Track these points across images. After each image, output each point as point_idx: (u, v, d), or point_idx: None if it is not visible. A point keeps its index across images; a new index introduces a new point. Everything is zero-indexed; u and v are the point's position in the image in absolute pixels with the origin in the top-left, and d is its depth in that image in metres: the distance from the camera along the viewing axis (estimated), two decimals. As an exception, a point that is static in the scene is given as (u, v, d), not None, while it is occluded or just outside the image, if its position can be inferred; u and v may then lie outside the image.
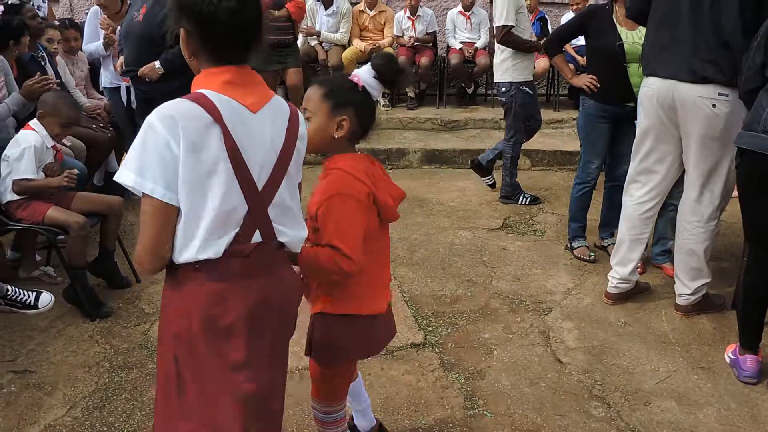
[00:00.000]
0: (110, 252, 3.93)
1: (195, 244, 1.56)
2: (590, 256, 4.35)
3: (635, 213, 3.66)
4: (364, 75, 2.00)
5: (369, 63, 2.02)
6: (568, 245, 4.49)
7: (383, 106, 7.55)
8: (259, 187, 1.62)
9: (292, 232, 1.72)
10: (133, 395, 2.94)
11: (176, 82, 4.13)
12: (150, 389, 2.99)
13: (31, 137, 3.67)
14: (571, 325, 3.57)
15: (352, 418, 2.53)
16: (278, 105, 1.71)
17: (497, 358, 3.26)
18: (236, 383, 1.65)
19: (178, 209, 1.54)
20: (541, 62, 7.27)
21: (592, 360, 3.25)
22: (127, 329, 3.52)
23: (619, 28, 3.99)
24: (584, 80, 4.16)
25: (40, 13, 5.74)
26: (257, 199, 1.62)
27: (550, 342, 3.40)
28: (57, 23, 5.43)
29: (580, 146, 4.38)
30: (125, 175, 1.50)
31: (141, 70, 4.32)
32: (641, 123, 3.55)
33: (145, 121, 1.52)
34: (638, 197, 3.65)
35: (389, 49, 7.48)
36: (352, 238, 1.90)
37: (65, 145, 4.25)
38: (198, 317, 1.60)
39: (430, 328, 3.52)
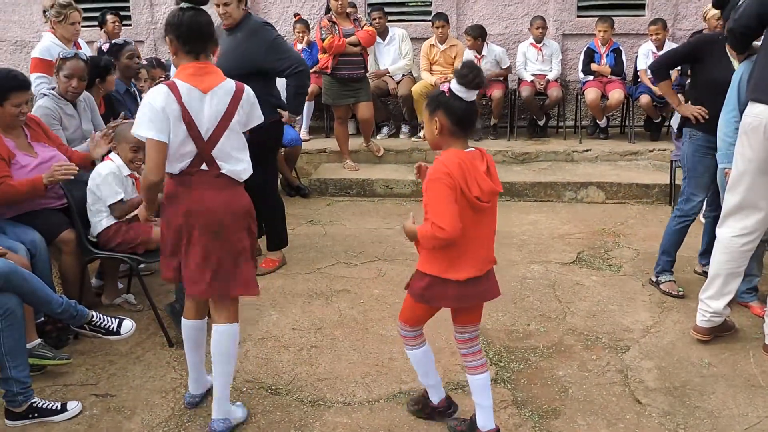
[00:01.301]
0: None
1: (172, 165, 2.77)
2: (678, 291, 4.20)
3: (734, 246, 3.52)
4: (451, 83, 2.50)
5: (454, 73, 2.53)
6: (653, 279, 4.36)
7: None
8: (205, 138, 2.75)
9: (229, 166, 2.81)
10: (207, 422, 2.98)
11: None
12: (224, 417, 3.03)
13: (109, 165, 3.84)
14: (650, 364, 3.45)
15: (425, 394, 3.01)
16: (226, 86, 2.83)
17: (572, 397, 3.17)
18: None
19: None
20: (615, 93, 7.17)
21: (674, 402, 3.12)
22: (202, 357, 3.58)
23: (731, 59, 3.89)
24: (692, 110, 4.06)
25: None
26: (203, 145, 2.76)
27: (629, 381, 3.29)
28: (145, 62, 5.69)
29: (683, 179, 4.26)
30: (138, 130, 2.71)
31: (286, 118, 4.60)
32: (744, 153, 3.41)
33: (145, 98, 2.74)
34: (739, 230, 3.50)
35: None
36: (441, 212, 2.45)
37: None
38: (174, 204, 2.83)
39: (502, 364, 3.46)
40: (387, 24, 7.76)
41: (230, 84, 2.83)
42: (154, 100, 2.67)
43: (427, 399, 3.00)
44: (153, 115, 2.66)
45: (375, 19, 7.60)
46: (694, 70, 4.21)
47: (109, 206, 3.79)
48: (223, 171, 2.79)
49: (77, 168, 3.73)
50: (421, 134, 7.64)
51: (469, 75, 2.44)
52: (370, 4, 8.38)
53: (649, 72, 7.09)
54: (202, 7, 2.78)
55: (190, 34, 2.73)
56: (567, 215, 5.94)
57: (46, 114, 4.07)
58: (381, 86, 7.69)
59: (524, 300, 4.21)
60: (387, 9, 7.97)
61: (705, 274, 4.17)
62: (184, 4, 2.75)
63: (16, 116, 3.63)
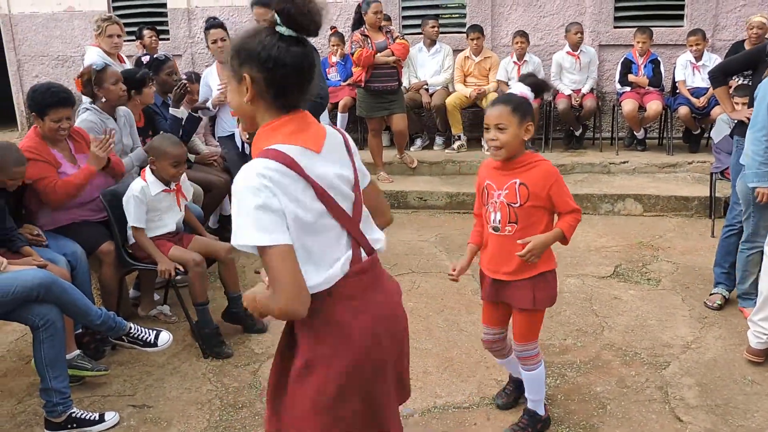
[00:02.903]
0: (235, 298, 4.00)
1: (318, 274, 1.72)
2: (715, 304, 4.14)
3: None
4: (526, 91, 2.66)
5: (521, 82, 2.71)
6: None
7: (487, 150, 7.52)
8: (350, 213, 1.81)
9: (378, 236, 1.91)
10: (243, 435, 2.99)
11: None
12: (258, 429, 3.05)
13: (135, 186, 3.81)
14: (691, 381, 3.37)
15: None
16: (332, 136, 1.85)
17: (610, 414, 3.11)
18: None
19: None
20: (653, 105, 7.07)
21: (717, 420, 3.04)
22: (237, 368, 3.60)
23: None
24: (745, 113, 4.01)
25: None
26: (352, 224, 1.81)
27: (669, 399, 3.22)
28: (184, 77, 5.77)
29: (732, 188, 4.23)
30: (246, 237, 1.62)
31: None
32: None
33: (236, 187, 1.65)
34: None
35: (494, 94, 7.48)
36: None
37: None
38: (338, 334, 1.77)
39: (538, 379, 3.41)
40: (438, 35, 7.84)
41: (332, 133, 1.87)
42: (253, 188, 1.62)
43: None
44: (258, 213, 1.62)
45: (432, 27, 7.64)
46: (755, 78, 4.17)
47: (132, 228, 3.82)
48: (376, 247, 1.89)
49: (113, 139, 3.88)
50: (455, 145, 7.63)
51: (535, 78, 2.75)
52: (405, 17, 8.41)
53: (695, 81, 7.08)
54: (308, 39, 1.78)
55: (291, 81, 1.72)
56: (604, 228, 5.86)
57: (90, 127, 4.14)
58: (415, 98, 7.70)
59: (560, 314, 4.15)
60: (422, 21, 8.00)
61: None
62: (284, 31, 1.70)
63: (56, 131, 3.71)
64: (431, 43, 7.76)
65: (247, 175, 1.63)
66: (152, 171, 3.87)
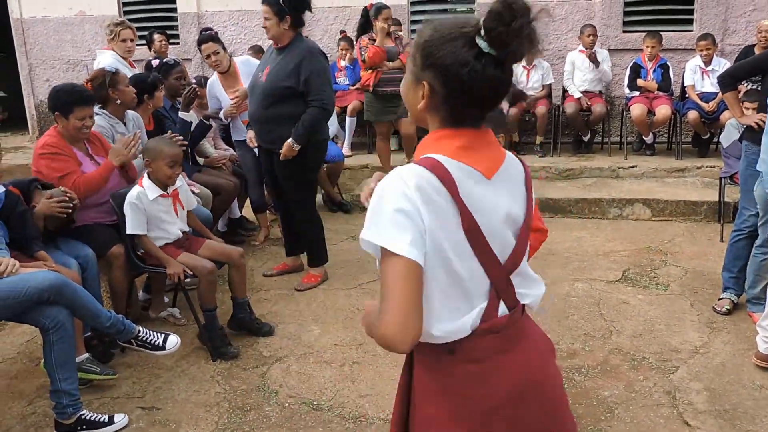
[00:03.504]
0: (242, 304, 4.02)
1: (440, 322, 1.45)
2: (724, 309, 4.13)
3: None
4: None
5: None
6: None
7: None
8: (502, 259, 1.49)
9: (534, 292, 1.58)
10: (251, 437, 3.01)
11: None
12: (266, 431, 3.07)
13: (132, 192, 3.80)
14: (700, 386, 3.36)
15: None
16: (512, 164, 1.55)
17: (618, 418, 3.10)
18: None
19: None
20: (662, 109, 7.06)
21: (725, 425, 3.03)
22: (246, 371, 3.62)
23: None
24: (754, 118, 4.02)
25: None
26: (499, 272, 1.49)
27: (677, 403, 3.21)
28: (194, 81, 5.81)
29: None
30: (369, 233, 1.40)
31: (282, 154, 4.46)
32: None
33: (381, 187, 1.42)
34: None
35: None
36: None
37: (194, 192, 4.48)
38: (456, 401, 1.50)
39: (546, 383, 3.41)
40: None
41: (514, 162, 1.58)
42: (400, 192, 1.39)
43: None
44: (398, 216, 1.38)
45: None
46: (763, 82, 4.17)
47: (132, 237, 3.83)
48: (525, 302, 1.57)
49: (138, 141, 3.93)
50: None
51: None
52: (414, 21, 8.43)
53: (704, 86, 7.06)
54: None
55: (474, 106, 1.45)
56: (612, 232, 5.85)
57: (100, 132, 4.17)
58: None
59: (568, 318, 4.15)
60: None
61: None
62: (485, 47, 1.38)
63: (80, 129, 3.80)
64: None
65: (396, 178, 1.41)
66: (149, 175, 3.86)
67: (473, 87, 1.41)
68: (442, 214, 1.40)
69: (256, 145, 4.97)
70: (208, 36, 5.44)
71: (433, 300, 1.43)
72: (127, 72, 4.95)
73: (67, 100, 3.74)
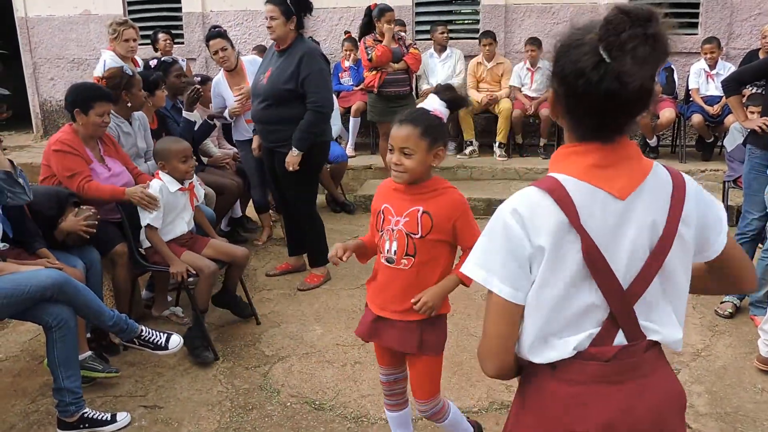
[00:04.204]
0: (229, 290, 4.16)
1: (543, 345, 1.43)
2: (726, 312, 4.13)
3: None
4: (441, 108, 2.31)
5: (436, 95, 2.33)
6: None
7: (498, 156, 7.54)
8: (625, 286, 1.39)
9: (666, 331, 1.45)
10: (253, 436, 3.01)
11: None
12: (268, 431, 3.07)
13: (154, 185, 3.85)
14: (701, 388, 3.36)
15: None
16: (657, 182, 1.42)
17: (620, 420, 3.10)
18: None
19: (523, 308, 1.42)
20: (666, 112, 7.06)
21: (726, 428, 3.03)
22: (248, 370, 3.63)
23: None
24: (758, 122, 4.02)
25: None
26: (621, 299, 1.39)
27: (679, 406, 3.21)
28: (198, 79, 5.83)
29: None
30: (472, 269, 1.43)
31: (287, 164, 4.46)
32: None
33: (497, 212, 1.42)
34: None
35: (507, 100, 7.49)
36: None
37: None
38: (548, 422, 1.45)
39: (548, 385, 3.41)
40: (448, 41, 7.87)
41: (661, 179, 1.43)
42: (511, 221, 1.39)
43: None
44: (504, 248, 1.40)
45: (441, 33, 7.67)
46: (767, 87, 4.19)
47: (146, 227, 3.82)
48: (652, 339, 1.44)
49: (158, 204, 3.83)
50: (467, 151, 7.65)
51: (454, 94, 2.35)
52: (418, 22, 8.44)
53: (709, 89, 7.06)
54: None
55: (598, 114, 1.36)
56: (615, 235, 5.84)
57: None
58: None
59: (570, 320, 4.14)
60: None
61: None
62: (606, 57, 1.29)
63: (100, 125, 3.85)
64: (441, 49, 7.80)
65: (508, 205, 1.41)
66: (167, 172, 3.90)
67: (589, 99, 1.33)
68: (558, 239, 1.36)
69: (258, 154, 4.98)
70: (216, 32, 5.48)
71: (541, 324, 1.41)
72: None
73: (87, 96, 3.80)
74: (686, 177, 1.47)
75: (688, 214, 1.42)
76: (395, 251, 2.33)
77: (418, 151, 2.24)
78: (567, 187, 1.37)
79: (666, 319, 1.45)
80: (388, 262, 2.36)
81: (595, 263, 1.36)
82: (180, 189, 3.92)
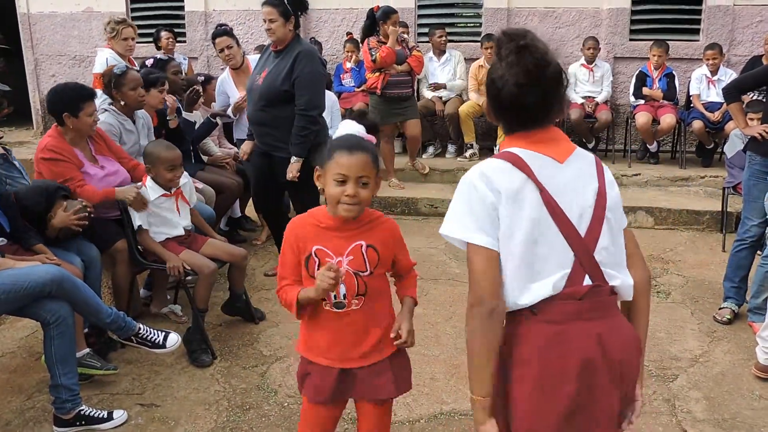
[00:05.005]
0: (239, 295, 4.13)
1: (524, 288, 1.66)
2: (725, 318, 4.13)
3: None
4: (364, 133, 2.16)
5: (353, 121, 2.19)
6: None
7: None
8: (582, 233, 1.68)
9: (622, 277, 1.72)
10: (250, 436, 3.01)
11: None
12: (265, 431, 3.06)
13: (141, 191, 3.83)
14: (699, 394, 3.36)
15: None
16: (582, 155, 1.78)
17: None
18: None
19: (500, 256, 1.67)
20: (667, 118, 7.06)
21: (723, 434, 3.03)
22: (246, 370, 3.62)
23: None
24: (758, 129, 4.02)
25: (181, 69, 6.19)
26: (581, 245, 1.67)
27: (676, 411, 3.21)
28: (202, 78, 5.83)
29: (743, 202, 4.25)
30: (452, 231, 1.69)
31: (288, 173, 4.41)
32: None
33: (464, 179, 1.71)
34: None
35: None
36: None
37: (197, 189, 4.49)
38: (536, 360, 1.66)
39: (545, 389, 3.41)
40: (447, 44, 7.86)
41: (584, 152, 1.80)
42: (471, 184, 1.69)
43: None
44: (473, 205, 1.67)
45: (439, 36, 7.67)
46: None
47: (138, 228, 3.82)
48: (613, 284, 1.71)
49: (148, 206, 3.83)
50: (467, 154, 7.65)
51: (369, 121, 2.23)
52: (420, 24, 8.44)
53: (710, 96, 7.07)
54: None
55: (512, 112, 1.75)
56: (614, 240, 5.84)
57: (108, 130, 4.18)
58: (428, 106, 7.72)
59: (569, 325, 4.14)
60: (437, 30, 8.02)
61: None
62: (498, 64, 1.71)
63: (91, 125, 3.82)
64: (440, 52, 7.79)
65: (473, 170, 1.71)
66: (152, 177, 3.87)
67: (500, 101, 1.71)
68: (518, 193, 1.65)
69: (245, 159, 4.95)
70: (222, 30, 5.50)
71: (519, 270, 1.65)
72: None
73: (75, 97, 3.74)
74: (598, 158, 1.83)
75: (611, 182, 1.78)
76: (344, 294, 2.11)
77: (371, 180, 2.06)
78: (518, 153, 1.70)
79: (620, 267, 1.74)
80: (337, 307, 2.12)
81: (553, 209, 1.65)
82: (163, 195, 3.86)
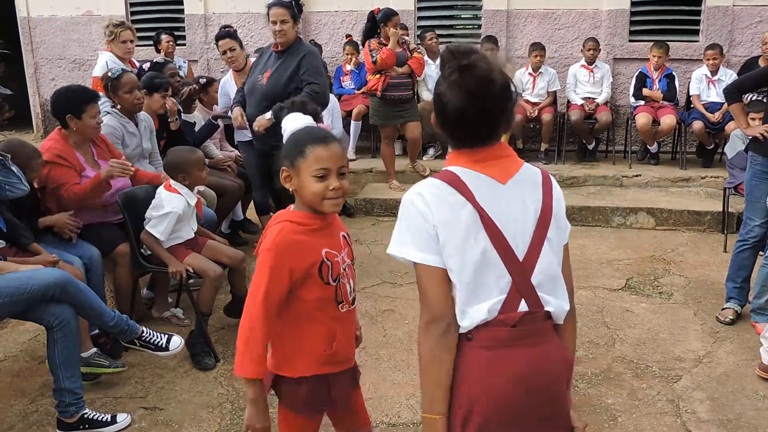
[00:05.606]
0: (241, 297, 4.09)
1: (464, 312, 1.63)
2: (727, 318, 4.13)
3: None
4: (313, 122, 2.14)
5: (299, 112, 2.21)
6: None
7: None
8: (520, 257, 1.64)
9: (557, 302, 1.69)
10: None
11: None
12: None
13: (176, 202, 3.77)
14: (703, 395, 3.36)
15: None
16: (528, 173, 1.72)
17: (622, 426, 3.10)
18: None
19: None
20: (667, 119, 7.06)
21: (728, 435, 3.03)
22: (248, 373, 3.61)
23: None
24: (759, 129, 4.02)
25: (181, 72, 6.20)
26: (519, 269, 1.64)
27: (680, 412, 3.21)
28: (204, 81, 5.82)
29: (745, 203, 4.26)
30: (395, 250, 1.67)
31: (255, 124, 4.47)
32: None
33: (404, 200, 1.68)
34: None
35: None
36: None
37: (199, 192, 4.48)
38: (473, 384, 1.63)
39: (549, 390, 3.41)
40: (439, 46, 7.82)
41: (531, 171, 1.74)
42: (416, 201, 1.65)
43: None
44: (414, 224, 1.65)
45: (430, 39, 7.66)
46: None
47: (146, 229, 3.79)
48: (549, 309, 1.68)
49: (133, 167, 3.84)
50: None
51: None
52: (420, 26, 8.45)
53: (710, 96, 7.07)
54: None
55: (457, 127, 1.69)
56: (615, 241, 5.85)
57: (110, 132, 4.18)
58: (428, 108, 7.71)
59: (572, 326, 4.14)
60: (437, 31, 8.02)
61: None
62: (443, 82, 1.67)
63: (95, 127, 3.81)
64: (434, 55, 7.78)
65: (411, 190, 1.68)
66: (181, 182, 3.86)
67: (446, 117, 1.66)
68: (461, 214, 1.61)
69: (242, 122, 4.94)
70: (225, 32, 5.51)
71: (459, 293, 1.62)
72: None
73: (78, 99, 3.76)
74: (549, 174, 1.77)
75: (558, 198, 1.73)
76: (352, 288, 2.10)
77: (347, 169, 2.01)
78: (459, 174, 1.65)
79: (558, 292, 1.71)
80: (352, 304, 2.11)
81: (492, 232, 1.62)
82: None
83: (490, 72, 1.61)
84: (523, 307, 1.64)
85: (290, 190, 2.02)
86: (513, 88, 1.66)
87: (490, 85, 1.61)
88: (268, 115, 4.39)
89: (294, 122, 2.10)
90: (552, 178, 1.76)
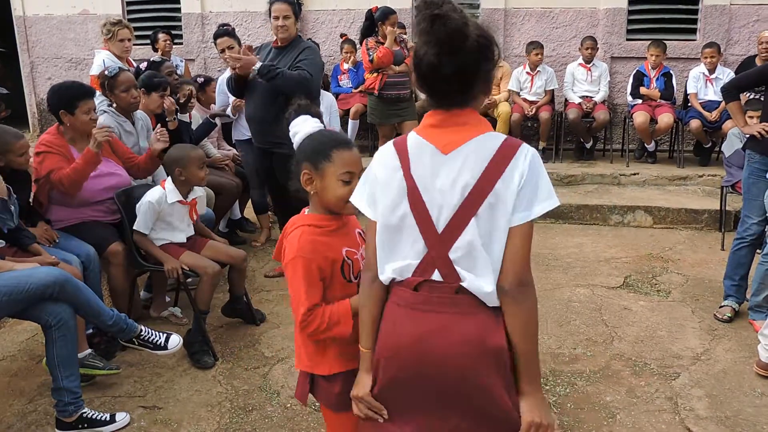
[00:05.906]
0: (239, 297, 4.12)
1: (383, 267, 1.74)
2: (725, 316, 4.13)
3: None
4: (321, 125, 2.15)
5: (307, 116, 2.13)
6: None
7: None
8: (439, 228, 1.65)
9: (475, 280, 1.63)
10: (253, 437, 3.00)
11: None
12: (268, 432, 3.06)
13: (154, 193, 3.82)
14: (701, 392, 3.36)
15: None
16: (479, 146, 1.64)
17: (620, 423, 3.11)
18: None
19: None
20: (665, 118, 7.07)
21: (726, 431, 3.04)
22: (247, 371, 3.61)
23: None
24: (757, 127, 4.03)
25: (178, 71, 6.18)
26: (436, 239, 1.65)
27: (679, 409, 3.21)
28: (201, 80, 5.82)
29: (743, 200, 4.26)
30: (353, 197, 1.82)
31: (240, 59, 4.42)
32: None
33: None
34: None
35: (506, 104, 7.50)
36: None
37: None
38: (385, 336, 1.75)
39: (547, 387, 3.41)
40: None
41: (485, 144, 1.65)
42: (374, 159, 1.76)
43: None
44: (368, 179, 1.77)
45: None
46: (767, 93, 4.20)
47: (133, 230, 3.81)
48: (463, 284, 1.65)
49: (113, 130, 3.90)
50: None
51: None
52: (417, 25, 8.44)
53: (707, 94, 7.09)
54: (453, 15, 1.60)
55: (430, 83, 1.67)
56: (613, 239, 5.86)
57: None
58: (426, 107, 7.71)
59: (570, 323, 4.15)
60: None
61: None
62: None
63: (88, 123, 3.79)
64: None
65: (380, 150, 1.78)
66: (173, 179, 3.87)
67: (421, 70, 1.63)
68: (394, 179, 1.68)
69: (239, 104, 4.94)
70: (224, 31, 5.50)
71: (382, 250, 1.72)
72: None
73: (72, 95, 3.76)
74: (525, 151, 1.66)
75: (510, 178, 1.61)
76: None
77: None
78: (409, 140, 1.70)
79: (482, 271, 1.64)
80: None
81: (415, 201, 1.65)
82: (179, 202, 3.88)
83: (463, 25, 1.57)
84: (436, 276, 1.66)
85: (310, 192, 2.05)
86: (493, 49, 1.62)
87: (463, 38, 1.57)
88: (257, 66, 4.39)
89: (306, 125, 2.10)
90: (524, 157, 1.64)
